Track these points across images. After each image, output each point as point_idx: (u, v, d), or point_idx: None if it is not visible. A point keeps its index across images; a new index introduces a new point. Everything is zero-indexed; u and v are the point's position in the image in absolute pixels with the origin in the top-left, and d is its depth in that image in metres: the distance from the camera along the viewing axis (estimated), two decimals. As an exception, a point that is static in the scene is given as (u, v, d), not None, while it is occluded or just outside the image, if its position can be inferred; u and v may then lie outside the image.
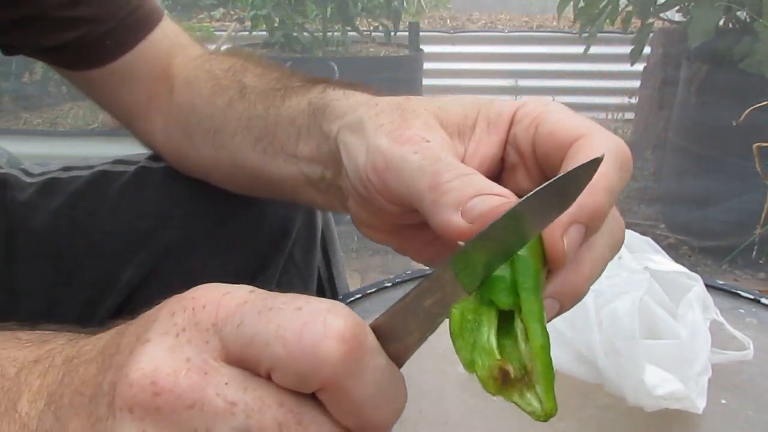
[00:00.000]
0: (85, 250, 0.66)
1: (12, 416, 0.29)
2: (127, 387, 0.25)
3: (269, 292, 0.27)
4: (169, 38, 0.63)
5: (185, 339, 0.26)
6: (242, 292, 0.27)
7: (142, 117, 0.64)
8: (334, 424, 0.26)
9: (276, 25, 3.06)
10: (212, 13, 4.09)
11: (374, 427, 0.26)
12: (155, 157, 0.67)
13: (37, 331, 0.33)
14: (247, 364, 0.25)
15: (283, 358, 0.24)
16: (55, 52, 0.61)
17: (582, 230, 0.32)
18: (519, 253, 0.30)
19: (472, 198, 0.31)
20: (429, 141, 0.36)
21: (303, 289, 0.71)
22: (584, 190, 0.28)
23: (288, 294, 0.26)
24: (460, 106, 0.39)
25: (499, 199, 0.31)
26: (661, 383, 0.53)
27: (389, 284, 0.74)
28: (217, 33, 3.68)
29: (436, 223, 0.32)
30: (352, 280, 0.88)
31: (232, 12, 3.95)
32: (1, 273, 0.65)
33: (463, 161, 0.37)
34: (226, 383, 0.25)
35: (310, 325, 0.25)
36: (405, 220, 0.39)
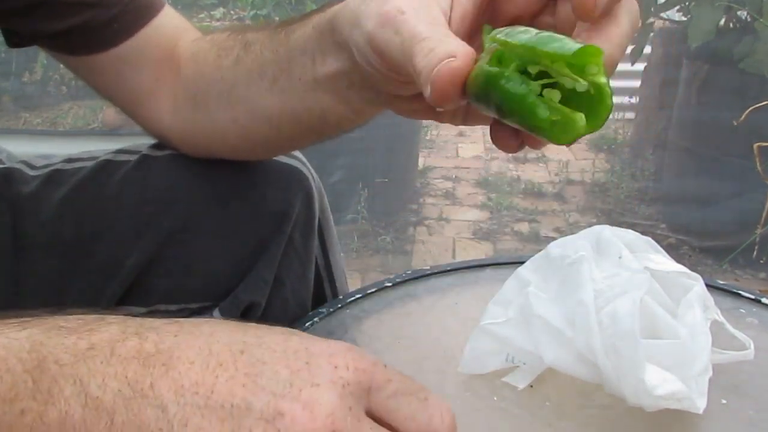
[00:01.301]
0: (89, 238, 0.67)
1: (82, 400, 0.32)
2: (309, 421, 0.32)
3: (399, 373, 0.36)
4: (173, 23, 0.65)
5: (348, 392, 0.33)
6: (383, 369, 0.35)
7: (149, 100, 0.65)
8: None
9: (276, 25, 3.06)
10: (212, 13, 4.09)
11: None
12: (158, 146, 0.69)
13: (74, 317, 0.36)
14: (382, 423, 0.34)
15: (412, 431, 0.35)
16: (61, 37, 0.62)
17: None
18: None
19: (431, 71, 0.36)
20: (404, 13, 0.39)
21: (301, 272, 0.72)
22: None
23: (413, 381, 0.36)
24: None
25: (448, 63, 0.36)
26: (662, 383, 0.53)
27: (389, 284, 0.74)
28: (217, 33, 3.67)
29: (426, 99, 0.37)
30: (352, 280, 0.88)
31: (232, 12, 3.95)
32: (8, 266, 0.66)
33: None
34: (370, 428, 0.33)
35: (435, 418, 0.36)
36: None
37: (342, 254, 0.81)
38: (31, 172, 0.69)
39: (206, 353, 0.34)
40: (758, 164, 1.61)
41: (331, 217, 0.78)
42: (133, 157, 0.68)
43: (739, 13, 2.21)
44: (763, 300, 0.73)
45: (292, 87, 0.52)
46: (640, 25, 0.40)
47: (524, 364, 0.59)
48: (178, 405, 0.32)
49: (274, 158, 0.69)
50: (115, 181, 0.67)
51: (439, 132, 3.25)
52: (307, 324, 0.67)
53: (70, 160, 0.70)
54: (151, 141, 0.70)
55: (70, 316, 0.36)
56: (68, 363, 0.33)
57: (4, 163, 0.70)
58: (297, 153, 0.72)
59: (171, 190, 0.66)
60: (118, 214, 0.67)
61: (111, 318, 0.36)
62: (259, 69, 0.55)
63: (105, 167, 0.68)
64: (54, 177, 0.68)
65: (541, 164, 2.97)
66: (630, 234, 0.65)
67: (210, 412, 0.32)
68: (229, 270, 0.67)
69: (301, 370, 0.33)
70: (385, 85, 0.45)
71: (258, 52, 0.55)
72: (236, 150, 0.63)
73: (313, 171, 0.72)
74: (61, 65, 0.67)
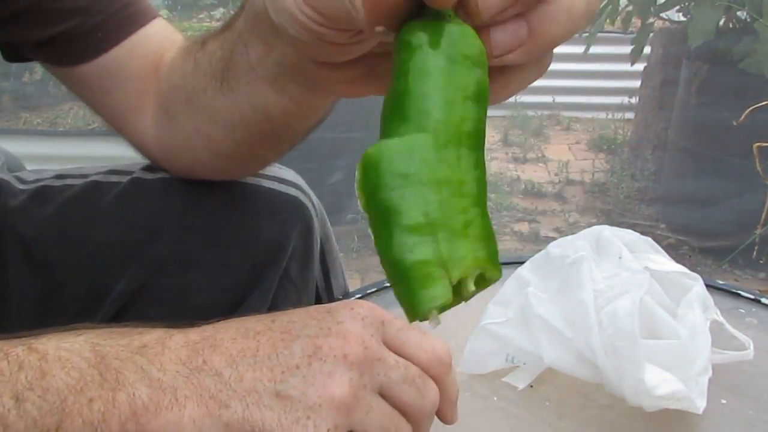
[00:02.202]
0: (76, 261, 0.65)
1: (146, 382, 0.37)
2: (343, 345, 0.39)
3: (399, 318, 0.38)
4: (162, 35, 0.63)
5: (368, 322, 0.41)
6: (388, 312, 0.43)
7: (134, 115, 0.62)
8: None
9: (276, 25, 3.06)
10: (212, 13, 4.09)
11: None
12: (150, 168, 0.66)
13: (120, 327, 0.41)
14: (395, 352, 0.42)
15: (423, 358, 0.43)
16: (46, 45, 0.60)
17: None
18: None
19: None
20: None
21: (297, 301, 0.70)
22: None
23: (409, 328, 0.43)
24: None
25: None
26: (661, 383, 0.53)
27: (389, 284, 0.73)
28: (217, 33, 3.67)
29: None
30: (352, 280, 0.88)
31: (232, 12, 3.94)
32: None
33: None
34: (389, 355, 0.41)
35: (437, 345, 0.44)
36: (356, 50, 0.38)
37: (341, 256, 0.80)
38: (20, 186, 0.67)
39: (243, 330, 0.40)
40: (758, 164, 1.61)
41: (333, 238, 0.76)
42: (124, 179, 0.66)
43: (739, 13, 2.21)
44: (763, 300, 0.73)
45: (236, 82, 0.50)
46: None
47: (524, 364, 0.59)
48: (231, 368, 0.38)
49: (272, 187, 0.66)
50: (104, 204, 0.65)
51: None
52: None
53: (60, 177, 0.68)
54: (143, 161, 0.67)
55: (116, 327, 0.41)
56: (127, 357, 0.38)
57: None
58: (298, 181, 0.69)
59: (161, 217, 0.64)
60: (106, 239, 0.65)
61: (152, 328, 0.41)
62: (211, 69, 0.52)
63: (94, 188, 0.66)
64: (41, 193, 0.66)
65: (540, 164, 2.97)
66: (630, 234, 0.65)
67: (260, 365, 0.38)
68: (221, 301, 0.64)
69: (325, 317, 0.41)
70: (317, 54, 0.40)
71: (211, 50, 0.53)
72: (207, 167, 0.61)
73: (314, 198, 0.70)
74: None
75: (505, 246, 2.34)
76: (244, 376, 0.38)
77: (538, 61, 0.34)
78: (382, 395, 0.40)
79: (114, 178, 0.67)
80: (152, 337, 0.40)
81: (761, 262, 2.04)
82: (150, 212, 0.65)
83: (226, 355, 0.39)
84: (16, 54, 0.63)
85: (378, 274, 2.01)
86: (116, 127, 0.65)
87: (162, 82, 0.60)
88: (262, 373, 0.38)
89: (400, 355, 0.42)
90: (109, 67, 0.61)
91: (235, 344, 0.39)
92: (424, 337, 0.43)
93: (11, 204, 0.66)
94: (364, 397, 0.39)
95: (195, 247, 0.65)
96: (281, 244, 0.66)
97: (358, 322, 0.41)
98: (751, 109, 1.62)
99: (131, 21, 0.61)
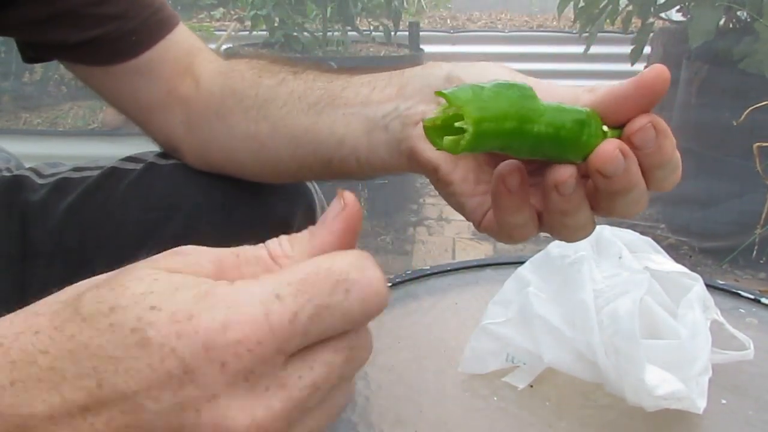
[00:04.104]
0: (94, 244, 0.68)
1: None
2: None
3: (296, 288, 0.28)
4: (189, 40, 0.67)
5: (257, 376, 0.27)
6: (278, 306, 0.28)
7: (161, 111, 0.66)
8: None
9: (276, 25, 3.06)
10: (212, 13, 4.09)
11: None
12: (164, 155, 0.70)
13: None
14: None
15: (349, 328, 0.29)
16: (81, 48, 0.63)
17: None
18: None
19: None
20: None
21: None
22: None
23: (320, 273, 0.28)
24: None
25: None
26: (662, 383, 0.53)
27: (389, 284, 0.74)
28: (217, 33, 3.67)
29: None
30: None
31: (232, 12, 3.95)
32: (16, 273, 0.67)
33: None
34: (300, 377, 0.28)
35: (369, 302, 0.29)
36: None
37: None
38: (39, 180, 0.70)
39: (56, 392, 0.27)
40: (758, 164, 1.61)
41: None
42: (139, 166, 0.69)
43: (739, 13, 2.21)
44: (763, 300, 0.73)
45: (332, 109, 0.53)
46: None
47: (524, 364, 0.59)
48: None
49: None
50: (121, 188, 0.68)
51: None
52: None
53: (77, 169, 0.71)
54: (157, 149, 0.70)
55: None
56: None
57: (12, 171, 0.71)
58: None
59: (175, 196, 0.67)
60: (123, 221, 0.68)
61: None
62: (302, 93, 0.55)
63: (111, 175, 0.69)
64: (61, 185, 0.69)
65: (541, 164, 2.97)
66: (630, 234, 0.65)
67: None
68: None
69: (184, 386, 0.27)
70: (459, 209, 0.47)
71: (309, 78, 0.56)
72: (246, 168, 0.63)
73: (316, 185, 0.73)
74: (62, 66, 0.68)
75: (505, 246, 2.33)
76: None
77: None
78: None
79: (129, 166, 0.70)
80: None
81: (761, 262, 2.04)
82: (165, 193, 0.67)
83: None
84: (36, 54, 0.65)
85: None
86: (138, 121, 0.68)
87: (208, 86, 0.64)
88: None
89: (314, 347, 0.29)
90: (139, 68, 0.64)
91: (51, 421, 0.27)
92: (347, 303, 0.28)
93: (33, 199, 0.69)
94: None
95: (206, 223, 0.67)
96: (287, 222, 0.68)
97: (240, 387, 0.27)
98: (751, 109, 1.62)
99: (161, 25, 0.65)
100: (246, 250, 0.33)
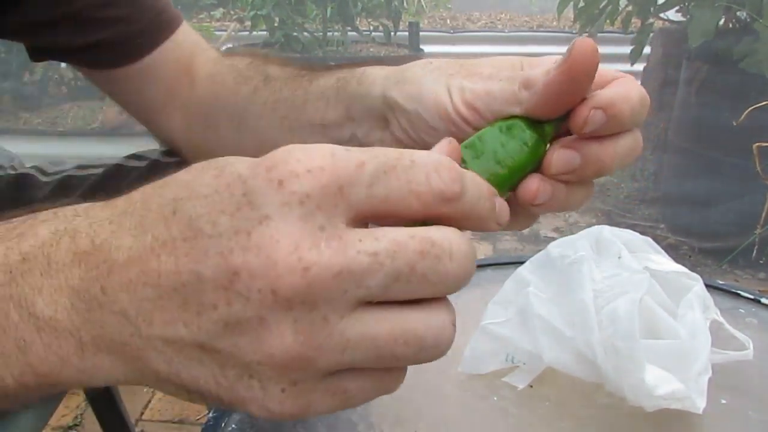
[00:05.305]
0: None
1: (35, 324, 0.29)
2: (269, 268, 0.25)
3: (366, 149, 0.28)
4: (191, 41, 0.67)
5: (314, 206, 0.26)
6: (345, 154, 0.27)
7: (163, 112, 0.66)
8: (459, 233, 0.29)
9: (276, 25, 3.06)
10: (212, 13, 4.09)
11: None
12: (168, 152, 0.70)
13: (5, 221, 0.32)
14: (374, 219, 0.28)
15: (417, 208, 0.28)
16: (84, 51, 0.63)
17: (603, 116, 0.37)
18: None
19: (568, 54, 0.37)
20: (501, 79, 0.42)
21: None
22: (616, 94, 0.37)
23: (386, 150, 0.28)
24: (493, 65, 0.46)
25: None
26: (661, 383, 0.53)
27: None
28: (217, 33, 3.68)
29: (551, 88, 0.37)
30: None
31: (232, 12, 3.95)
32: None
33: None
34: (360, 240, 0.26)
35: (432, 176, 0.28)
36: None
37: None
38: (44, 178, 0.71)
39: (141, 230, 0.28)
40: (758, 164, 1.61)
41: None
42: (144, 163, 0.69)
43: (738, 13, 2.21)
44: (763, 300, 0.73)
45: (300, 126, 0.53)
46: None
47: (524, 364, 0.59)
48: (137, 305, 0.28)
49: None
50: (125, 185, 0.68)
51: (439, 132, 3.25)
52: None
53: (82, 167, 0.72)
54: (162, 147, 0.71)
55: (3, 221, 0.32)
56: (4, 282, 0.29)
57: (16, 170, 0.71)
58: None
59: None
60: None
61: (43, 215, 0.32)
62: (273, 105, 0.56)
63: (116, 172, 0.70)
64: (66, 183, 0.70)
65: (541, 164, 2.97)
66: (629, 234, 0.65)
67: (167, 301, 0.27)
68: None
69: (241, 208, 0.26)
70: (401, 139, 0.46)
71: (277, 88, 0.56)
72: None
73: None
74: (62, 65, 0.68)
75: (505, 246, 2.34)
76: (152, 318, 0.27)
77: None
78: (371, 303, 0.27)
79: (134, 163, 0.70)
80: (34, 243, 0.30)
81: (761, 262, 2.04)
82: None
83: (126, 280, 0.28)
84: (42, 55, 0.66)
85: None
86: (143, 121, 0.68)
87: (200, 89, 0.64)
88: (172, 315, 0.27)
89: (385, 221, 0.28)
90: (144, 70, 0.64)
91: (132, 262, 0.28)
92: (414, 172, 0.28)
93: (39, 196, 0.69)
94: (329, 334, 0.26)
95: None
96: None
97: (294, 212, 0.26)
98: (751, 109, 1.62)
99: (165, 27, 0.65)
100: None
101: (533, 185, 0.37)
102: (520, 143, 0.37)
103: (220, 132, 0.61)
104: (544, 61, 0.42)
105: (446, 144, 0.33)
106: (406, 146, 0.44)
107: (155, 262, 0.27)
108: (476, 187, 0.30)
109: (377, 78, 0.47)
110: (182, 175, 0.29)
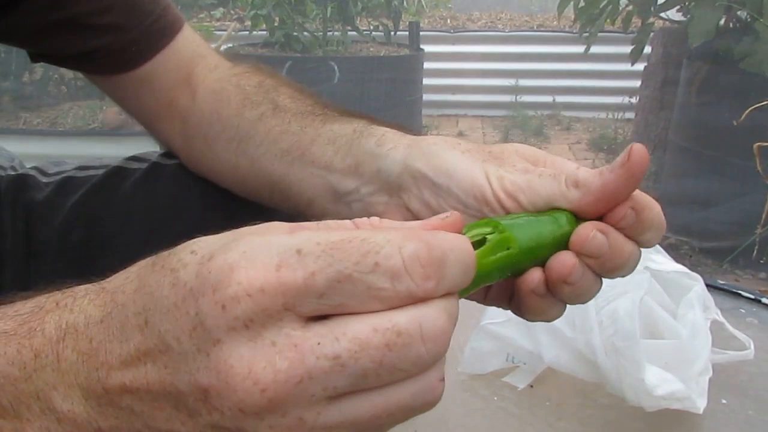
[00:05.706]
0: (99, 243, 0.68)
1: (55, 416, 0.30)
2: (231, 392, 0.26)
3: (318, 244, 0.27)
4: (191, 47, 0.66)
5: (258, 327, 0.26)
6: (292, 264, 0.26)
7: (162, 120, 0.66)
8: (432, 305, 0.27)
9: (276, 24, 3.06)
10: (212, 12, 4.09)
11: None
12: (168, 155, 0.70)
13: (12, 311, 0.33)
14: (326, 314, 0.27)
15: (381, 308, 0.27)
16: (80, 58, 0.63)
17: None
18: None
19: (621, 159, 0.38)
20: (541, 175, 0.42)
21: None
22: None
23: (354, 243, 0.27)
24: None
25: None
26: (662, 383, 0.53)
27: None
28: (217, 33, 3.68)
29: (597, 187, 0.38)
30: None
31: (232, 12, 3.95)
32: (20, 271, 0.67)
33: None
34: (319, 343, 0.26)
35: (401, 277, 0.27)
36: None
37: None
38: (44, 179, 0.70)
39: (124, 338, 0.29)
40: (758, 164, 1.61)
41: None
42: (144, 165, 0.69)
43: (739, 13, 2.21)
44: (763, 300, 0.73)
45: (302, 164, 0.53)
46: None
47: (524, 364, 0.59)
48: (139, 405, 0.29)
49: None
50: (126, 187, 0.68)
51: (438, 132, 3.25)
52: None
53: (82, 168, 0.71)
54: (161, 149, 0.70)
55: (9, 309, 0.33)
56: (21, 378, 0.30)
57: (16, 170, 0.71)
58: None
59: (181, 197, 0.67)
60: (128, 220, 0.68)
61: (47, 304, 0.32)
62: (277, 136, 0.55)
63: (116, 174, 0.69)
64: (66, 184, 0.69)
65: (541, 164, 2.97)
66: (630, 234, 0.65)
67: (164, 402, 0.28)
68: None
69: (196, 327, 0.27)
70: (400, 209, 0.46)
71: (285, 119, 0.55)
72: (234, 188, 0.63)
73: None
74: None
75: (505, 246, 2.33)
76: (154, 415, 0.29)
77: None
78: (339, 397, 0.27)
79: (134, 165, 0.70)
80: (42, 342, 0.31)
81: (762, 262, 2.04)
82: (169, 193, 0.67)
83: (123, 384, 0.29)
84: (41, 57, 0.66)
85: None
86: (144, 125, 0.68)
87: (201, 103, 0.63)
88: (170, 414, 0.28)
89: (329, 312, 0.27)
90: (142, 77, 0.64)
91: (125, 369, 0.29)
92: (374, 277, 0.26)
93: (38, 197, 0.69)
94: (310, 428, 0.27)
95: (212, 224, 0.67)
96: (291, 217, 0.69)
97: (242, 334, 0.26)
98: (751, 109, 1.62)
99: (163, 34, 0.64)
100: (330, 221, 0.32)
101: (569, 260, 0.37)
102: (557, 226, 0.38)
103: (218, 153, 0.61)
104: (557, 160, 0.43)
105: (450, 218, 0.32)
106: (414, 217, 0.44)
107: (143, 369, 0.28)
108: (460, 265, 0.28)
109: (399, 145, 0.46)
110: (148, 277, 0.29)
